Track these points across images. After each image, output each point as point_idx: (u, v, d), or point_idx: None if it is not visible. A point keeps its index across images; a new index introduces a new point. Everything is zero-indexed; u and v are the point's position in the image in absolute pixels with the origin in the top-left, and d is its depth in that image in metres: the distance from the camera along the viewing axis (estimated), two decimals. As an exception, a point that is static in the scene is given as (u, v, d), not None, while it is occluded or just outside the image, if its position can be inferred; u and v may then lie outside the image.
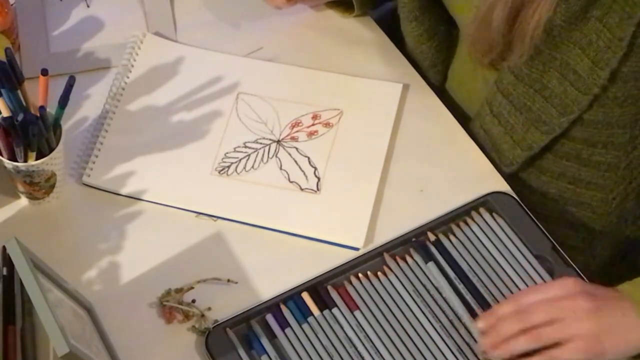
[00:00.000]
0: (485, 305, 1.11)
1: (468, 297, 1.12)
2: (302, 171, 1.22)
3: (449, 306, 1.12)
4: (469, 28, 1.17)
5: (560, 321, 1.04)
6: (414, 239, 1.16)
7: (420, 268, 1.14)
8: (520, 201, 1.19)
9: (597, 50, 1.10)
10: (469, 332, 1.10)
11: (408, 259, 1.15)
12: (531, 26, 1.09)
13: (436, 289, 1.13)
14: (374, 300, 1.12)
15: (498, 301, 1.12)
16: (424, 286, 1.13)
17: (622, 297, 1.06)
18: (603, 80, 1.11)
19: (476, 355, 1.09)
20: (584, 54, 1.11)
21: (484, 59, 1.18)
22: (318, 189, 1.21)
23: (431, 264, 1.14)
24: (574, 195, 1.25)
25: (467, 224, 1.18)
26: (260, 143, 1.25)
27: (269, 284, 1.14)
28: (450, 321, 1.11)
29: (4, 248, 1.02)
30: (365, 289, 1.13)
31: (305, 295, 1.13)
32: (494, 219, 1.18)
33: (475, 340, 1.10)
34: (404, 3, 1.28)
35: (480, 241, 1.16)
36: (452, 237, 1.17)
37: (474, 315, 1.11)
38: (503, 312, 1.06)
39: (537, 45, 1.12)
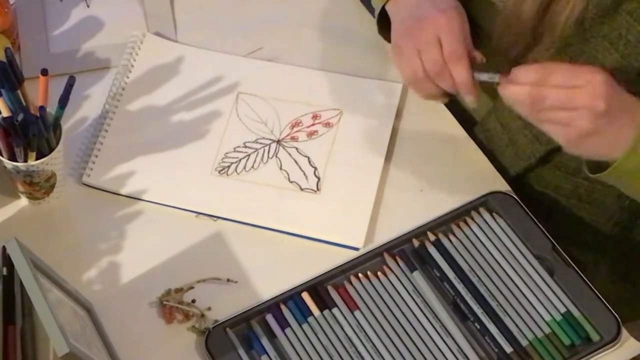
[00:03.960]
0: (485, 306, 1.11)
1: (468, 297, 1.12)
2: (302, 171, 1.22)
3: (450, 307, 1.12)
4: (497, 19, 1.15)
5: (567, 110, 1.00)
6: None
7: (419, 269, 1.14)
8: (520, 201, 1.19)
9: (627, 45, 1.09)
10: (469, 332, 1.11)
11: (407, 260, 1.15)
12: (563, 18, 1.08)
13: (436, 288, 1.13)
14: (374, 300, 1.12)
15: (498, 301, 1.12)
16: (423, 286, 1.13)
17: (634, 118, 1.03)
18: (632, 75, 1.10)
19: (477, 355, 1.09)
20: (613, 47, 1.10)
21: (509, 52, 1.17)
22: (318, 189, 1.21)
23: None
24: (588, 191, 1.25)
25: (467, 224, 1.18)
26: (260, 143, 1.25)
27: (269, 284, 1.14)
28: (457, 317, 1.11)
29: (4, 248, 1.02)
30: (365, 289, 1.13)
31: (305, 295, 1.13)
32: (494, 219, 1.18)
33: (476, 341, 1.10)
34: None
35: (480, 241, 1.16)
36: (452, 237, 1.17)
37: (473, 314, 1.11)
38: (524, 78, 1.02)
39: (565, 38, 1.11)
